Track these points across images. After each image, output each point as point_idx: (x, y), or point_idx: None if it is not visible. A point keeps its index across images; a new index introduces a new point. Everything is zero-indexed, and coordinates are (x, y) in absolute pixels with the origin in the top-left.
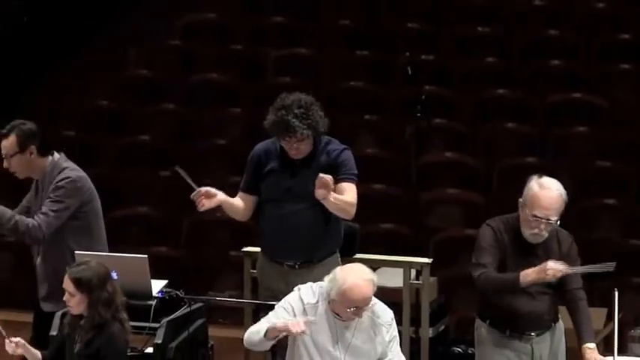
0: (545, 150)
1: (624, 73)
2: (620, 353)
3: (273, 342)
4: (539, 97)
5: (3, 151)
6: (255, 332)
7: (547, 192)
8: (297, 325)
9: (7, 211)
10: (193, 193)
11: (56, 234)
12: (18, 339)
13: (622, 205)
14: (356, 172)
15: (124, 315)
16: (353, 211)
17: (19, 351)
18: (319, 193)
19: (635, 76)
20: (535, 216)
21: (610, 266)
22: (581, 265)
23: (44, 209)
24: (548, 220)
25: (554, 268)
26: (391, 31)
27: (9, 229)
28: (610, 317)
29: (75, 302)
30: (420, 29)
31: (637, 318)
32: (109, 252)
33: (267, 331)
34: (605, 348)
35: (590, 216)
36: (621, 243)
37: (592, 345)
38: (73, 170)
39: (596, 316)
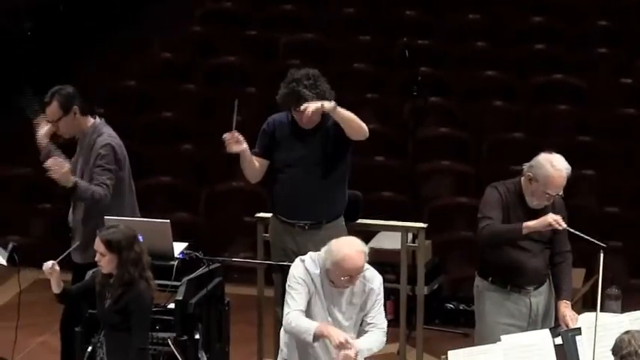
0: (529, 126)
1: (602, 56)
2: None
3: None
4: (525, 78)
5: (49, 117)
6: (302, 331)
7: (559, 173)
8: (340, 334)
9: (85, 184)
10: (226, 134)
11: None
12: (56, 267)
13: (599, 176)
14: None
15: (150, 273)
16: (365, 127)
17: (53, 275)
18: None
19: (612, 59)
20: (548, 193)
21: (601, 244)
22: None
23: (101, 179)
24: (558, 194)
25: (556, 220)
26: (391, 18)
27: (88, 197)
28: (588, 277)
29: (105, 262)
30: (417, 17)
31: (612, 278)
32: (137, 217)
33: (315, 334)
34: (584, 305)
35: (570, 185)
36: (598, 210)
37: (567, 301)
38: (111, 137)
39: (575, 275)
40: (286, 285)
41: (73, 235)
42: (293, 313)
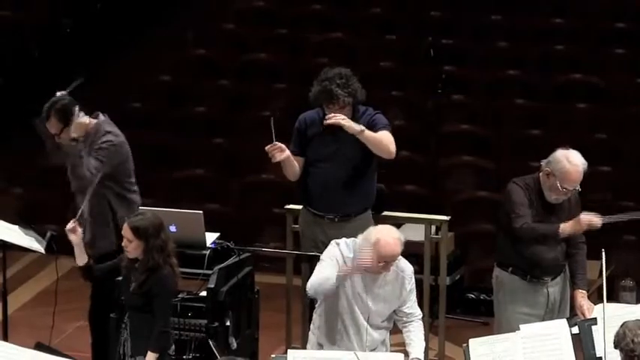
0: (549, 123)
1: (619, 57)
2: (612, 301)
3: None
4: (545, 77)
5: (51, 131)
6: (324, 280)
7: (576, 168)
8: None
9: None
10: (269, 146)
11: (100, 195)
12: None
13: (615, 171)
14: (388, 123)
15: (174, 260)
16: (391, 148)
17: (76, 233)
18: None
19: (628, 59)
20: (566, 188)
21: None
22: None
23: (89, 165)
24: (575, 189)
25: (589, 219)
26: (416, 18)
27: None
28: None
29: (132, 247)
30: (442, 17)
31: (627, 270)
32: (169, 208)
33: (338, 275)
34: (599, 296)
35: (586, 181)
36: (614, 204)
37: (583, 291)
38: (115, 136)
39: (591, 268)
40: (319, 261)
41: (84, 228)
42: (322, 275)
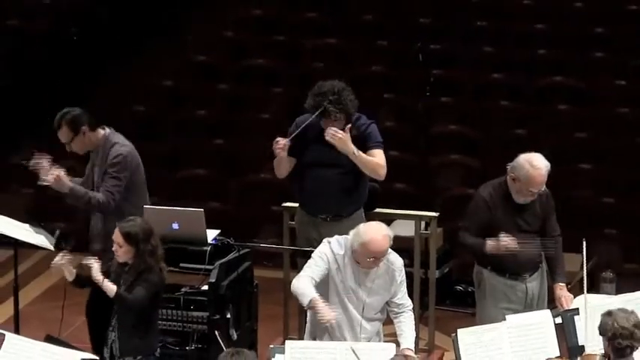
0: (533, 124)
1: (599, 60)
2: (593, 292)
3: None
4: (529, 80)
5: (62, 140)
6: (301, 294)
7: (539, 172)
8: (328, 314)
9: (82, 189)
10: (283, 141)
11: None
12: (66, 256)
13: (595, 169)
14: (381, 140)
15: (164, 265)
16: (382, 171)
17: (65, 264)
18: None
19: (608, 63)
20: (531, 191)
21: (550, 248)
22: (556, 215)
23: (107, 187)
24: (541, 190)
25: (505, 245)
26: (406, 24)
27: (84, 203)
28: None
29: (122, 252)
30: (430, 23)
31: (608, 262)
32: (172, 207)
33: (309, 303)
34: (581, 288)
35: (569, 178)
36: (594, 200)
37: (562, 284)
38: (122, 146)
39: (573, 261)
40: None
41: (92, 240)
42: (302, 277)
